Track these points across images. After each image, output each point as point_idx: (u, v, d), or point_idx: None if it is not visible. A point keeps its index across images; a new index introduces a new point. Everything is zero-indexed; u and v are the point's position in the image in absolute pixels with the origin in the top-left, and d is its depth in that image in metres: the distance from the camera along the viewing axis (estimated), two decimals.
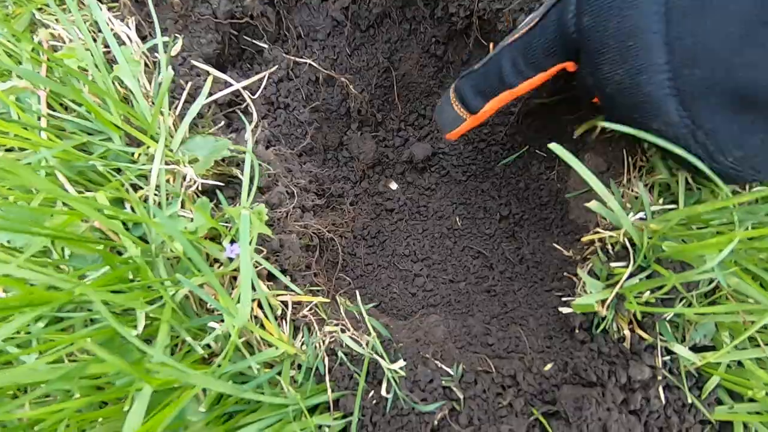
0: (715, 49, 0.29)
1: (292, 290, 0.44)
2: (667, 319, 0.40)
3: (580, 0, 0.34)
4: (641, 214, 0.41)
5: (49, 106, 0.41)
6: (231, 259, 0.41)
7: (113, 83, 0.41)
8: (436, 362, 0.43)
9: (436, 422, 0.38)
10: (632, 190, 0.51)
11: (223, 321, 0.39)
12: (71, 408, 0.30)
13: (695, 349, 0.40)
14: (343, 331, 0.44)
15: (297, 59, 0.62)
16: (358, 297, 0.47)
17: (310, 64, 0.63)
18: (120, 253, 0.39)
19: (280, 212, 0.49)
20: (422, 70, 0.71)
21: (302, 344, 0.43)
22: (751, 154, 0.32)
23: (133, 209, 0.40)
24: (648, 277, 0.40)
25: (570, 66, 0.39)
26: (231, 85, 0.48)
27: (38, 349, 0.29)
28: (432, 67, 0.71)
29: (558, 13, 0.36)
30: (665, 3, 0.30)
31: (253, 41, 0.60)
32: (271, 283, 0.45)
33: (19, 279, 0.29)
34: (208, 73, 0.48)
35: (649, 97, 0.32)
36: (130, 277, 0.37)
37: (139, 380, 0.28)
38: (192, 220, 0.41)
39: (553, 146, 0.31)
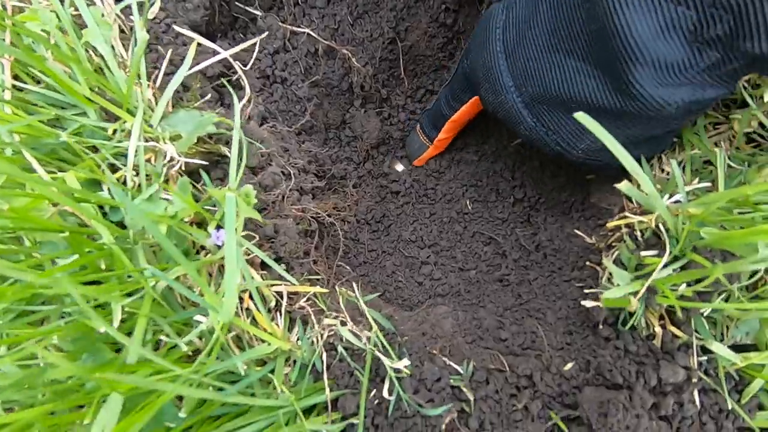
0: (533, 70, 0.39)
1: (288, 280, 0.40)
2: (705, 314, 0.36)
3: (466, 49, 0.49)
4: (678, 197, 0.36)
5: (16, 77, 0.37)
6: (219, 247, 0.37)
7: (85, 50, 0.37)
8: (444, 359, 0.39)
9: (443, 426, 0.35)
10: (661, 169, 0.46)
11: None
12: (37, 413, 0.27)
13: (736, 348, 0.35)
14: (343, 323, 0.41)
15: (294, 29, 0.57)
16: (356, 288, 0.44)
17: (308, 34, 0.57)
18: (95, 240, 0.35)
19: (274, 195, 0.45)
20: (431, 41, 0.65)
21: (298, 339, 0.39)
22: (594, 147, 0.40)
23: (110, 191, 0.36)
24: (682, 267, 0.36)
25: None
26: (219, 53, 0.44)
27: (6, 343, 0.26)
28: (441, 37, 0.65)
29: (461, 60, 0.51)
30: (503, 42, 0.42)
31: (246, 8, 0.55)
32: (266, 272, 0.41)
33: None
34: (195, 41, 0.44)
35: (511, 110, 0.43)
36: (105, 266, 0.34)
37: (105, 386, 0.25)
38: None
39: (579, 115, 0.27)
